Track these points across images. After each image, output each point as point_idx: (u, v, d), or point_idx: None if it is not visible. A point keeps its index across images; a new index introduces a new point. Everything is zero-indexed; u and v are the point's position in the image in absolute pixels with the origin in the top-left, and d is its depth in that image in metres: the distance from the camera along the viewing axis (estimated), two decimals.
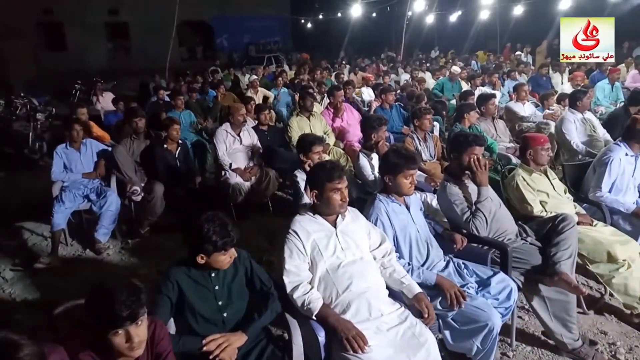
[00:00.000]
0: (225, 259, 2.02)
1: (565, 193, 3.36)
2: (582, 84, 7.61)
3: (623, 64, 9.91)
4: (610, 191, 3.36)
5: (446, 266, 2.64)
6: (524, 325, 3.02)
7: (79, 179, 4.43)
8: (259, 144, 5.13)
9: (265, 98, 8.78)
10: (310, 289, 2.16)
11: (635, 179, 3.41)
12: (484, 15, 15.35)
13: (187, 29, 23.04)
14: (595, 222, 3.20)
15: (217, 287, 2.07)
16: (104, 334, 1.51)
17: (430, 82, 10.08)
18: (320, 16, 23.90)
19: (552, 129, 5.38)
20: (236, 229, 2.03)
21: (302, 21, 25.29)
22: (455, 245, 2.79)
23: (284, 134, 5.62)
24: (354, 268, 2.24)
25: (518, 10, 14.03)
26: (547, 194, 3.24)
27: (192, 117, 6.72)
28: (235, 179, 4.75)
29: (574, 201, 3.39)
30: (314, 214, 2.34)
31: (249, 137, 5.11)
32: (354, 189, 3.95)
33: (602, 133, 4.95)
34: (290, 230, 2.26)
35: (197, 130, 6.78)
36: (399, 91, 9.26)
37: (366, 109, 7.58)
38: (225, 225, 1.98)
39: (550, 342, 2.78)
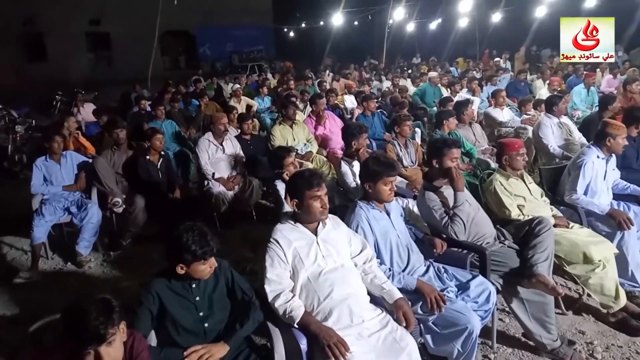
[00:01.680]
0: (205, 268, 2.02)
1: (542, 196, 3.44)
2: (559, 89, 7.78)
3: (598, 69, 10.18)
4: (585, 193, 3.45)
5: (426, 271, 2.68)
6: (505, 327, 3.07)
7: (60, 192, 4.38)
8: (242, 153, 5.14)
9: (249, 107, 8.79)
10: (292, 297, 2.17)
11: (607, 182, 3.51)
12: (463, 22, 15.64)
13: (169, 38, 23.00)
14: (572, 224, 3.28)
15: (198, 298, 2.07)
16: (78, 351, 1.51)
17: (412, 89, 10.20)
18: (303, 25, 24.06)
19: (530, 134, 5.49)
20: (216, 238, 2.04)
21: (285, 30, 25.44)
22: (435, 250, 2.84)
23: (267, 142, 5.64)
24: (335, 275, 2.26)
25: (496, 18, 14.32)
26: (524, 197, 3.31)
27: (175, 127, 6.69)
28: (218, 188, 4.75)
29: (551, 204, 3.47)
30: (295, 223, 2.36)
31: (232, 146, 5.12)
32: (336, 196, 4.00)
33: (579, 137, 5.08)
34: (271, 239, 2.28)
35: (180, 140, 6.75)
36: (380, 98, 9.38)
37: (349, 116, 7.65)
38: (204, 235, 1.99)
39: (531, 343, 2.83)
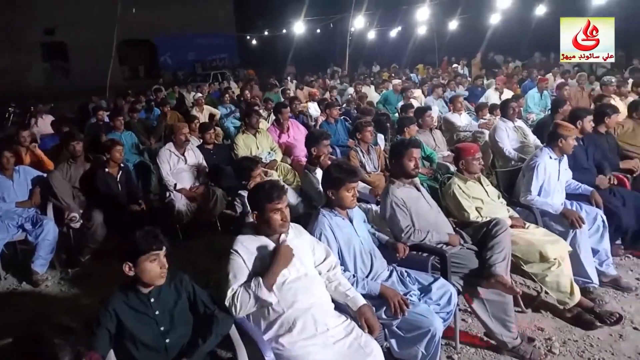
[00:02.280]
0: (154, 268, 1.98)
1: (498, 198, 3.55)
2: (514, 94, 8.08)
3: (550, 74, 10.65)
4: (539, 194, 3.58)
5: (390, 275, 2.72)
6: (467, 327, 3.15)
7: (13, 209, 4.20)
8: (204, 163, 5.08)
9: (212, 116, 8.70)
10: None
11: (560, 182, 3.66)
12: (421, 30, 16.03)
13: (128, 47, 22.50)
14: (528, 224, 3.39)
15: (157, 312, 2.03)
16: None
17: (375, 95, 10.36)
18: (266, 33, 24.06)
19: (487, 138, 5.67)
20: (166, 240, 2.02)
21: (248, 38, 25.38)
22: (398, 254, 2.88)
23: (231, 151, 5.59)
24: (299, 284, 2.26)
25: (453, 25, 14.78)
26: (482, 200, 3.42)
27: (134, 138, 6.54)
28: (180, 199, 4.67)
29: (508, 205, 3.59)
30: (256, 233, 2.35)
31: (194, 156, 5.05)
32: (301, 204, 4.01)
33: (533, 139, 5.28)
34: (232, 251, 2.25)
35: (140, 151, 6.60)
36: (344, 105, 9.48)
37: (313, 123, 7.69)
38: (153, 232, 1.98)
39: (492, 342, 2.90)
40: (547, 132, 3.86)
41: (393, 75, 14.17)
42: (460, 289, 2.84)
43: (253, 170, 3.81)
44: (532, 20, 12.01)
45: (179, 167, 4.91)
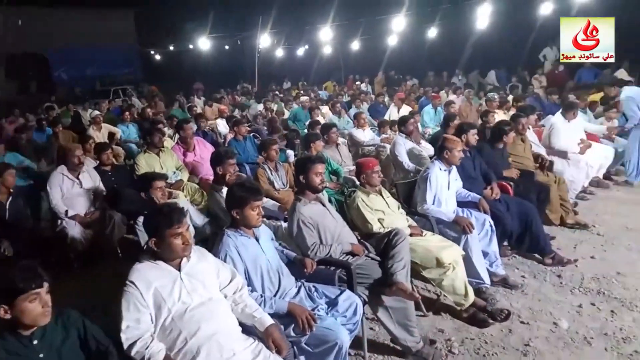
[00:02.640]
0: (35, 308, 1.78)
1: (398, 209, 3.75)
2: (411, 110, 8.63)
3: (443, 91, 11.56)
4: (434, 203, 3.85)
5: (298, 292, 2.73)
6: (375, 335, 3.26)
7: None
8: (101, 186, 4.77)
9: (112, 135, 8.19)
10: (151, 342, 2.04)
11: (450, 191, 3.96)
12: (327, 50, 16.60)
13: (16, 61, 20.55)
14: (425, 232, 3.62)
15: (42, 355, 1.84)
16: None
17: (285, 112, 10.47)
18: (172, 48, 23.32)
19: (389, 152, 5.99)
20: (45, 273, 1.83)
21: (152, 53, 24.40)
22: (305, 270, 2.91)
23: (132, 173, 5.31)
24: (202, 310, 2.19)
25: (355, 46, 15.51)
26: (383, 211, 3.59)
27: (19, 159, 5.95)
28: (74, 226, 4.32)
29: (407, 215, 3.80)
30: (155, 260, 2.24)
31: (90, 179, 4.72)
32: (208, 225, 3.90)
33: (428, 152, 5.67)
34: (127, 282, 2.12)
35: (29, 175, 6.01)
36: (254, 121, 9.47)
37: (222, 140, 7.57)
38: (31, 268, 1.79)
39: (398, 347, 3.04)
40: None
41: (302, 92, 14.45)
42: (366, 299, 2.94)
43: (155, 180, 3.62)
44: (426, 42, 13.02)
45: (73, 192, 4.56)
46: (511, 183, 4.66)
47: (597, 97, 8.45)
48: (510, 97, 9.07)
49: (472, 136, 4.47)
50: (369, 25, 13.52)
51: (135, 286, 2.12)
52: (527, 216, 4.12)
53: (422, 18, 12.15)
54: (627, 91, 6.30)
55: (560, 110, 6.06)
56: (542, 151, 5.65)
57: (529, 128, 5.64)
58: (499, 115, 6.81)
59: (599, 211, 5.47)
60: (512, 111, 7.32)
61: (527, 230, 4.12)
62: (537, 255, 4.25)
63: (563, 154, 5.72)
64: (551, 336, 3.17)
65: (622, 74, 11.11)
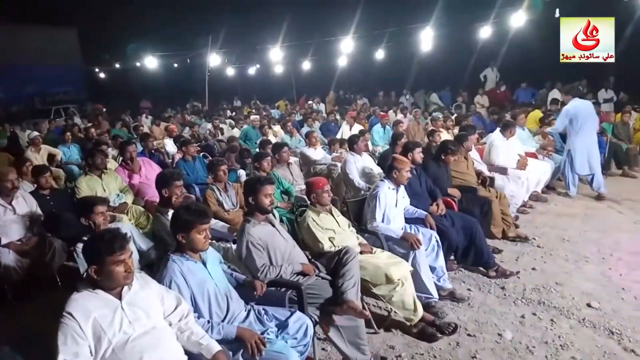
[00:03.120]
0: None
1: (349, 227, 3.80)
2: (362, 128, 8.82)
3: (392, 110, 11.91)
4: (383, 221, 3.92)
5: (247, 316, 2.68)
6: (327, 355, 3.25)
7: None
8: (39, 211, 4.50)
9: (52, 156, 7.81)
10: None
11: (398, 209, 4.06)
12: (278, 69, 16.73)
13: None
14: (375, 249, 3.68)
15: None
16: None
17: (235, 131, 10.40)
18: (117, 66, 22.69)
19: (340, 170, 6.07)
20: None
21: (97, 70, 23.63)
22: (255, 292, 2.87)
23: (73, 196, 5.06)
24: (145, 340, 2.10)
25: (306, 66, 15.75)
26: (334, 230, 3.62)
27: None
28: (8, 254, 4.05)
29: (357, 233, 3.85)
30: (94, 289, 2.13)
31: (26, 204, 4.44)
32: (153, 249, 3.77)
33: (378, 170, 5.79)
34: (64, 313, 2.01)
35: None
36: (204, 141, 9.33)
37: (170, 161, 7.38)
38: None
39: None
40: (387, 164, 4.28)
41: (253, 110, 14.43)
42: (317, 319, 2.93)
43: (96, 205, 3.46)
44: (374, 62, 13.43)
45: (6, 219, 4.27)
46: (455, 199, 4.84)
47: (535, 115, 9.02)
48: (454, 117, 9.47)
49: (418, 154, 4.62)
50: (319, 46, 13.83)
51: (72, 317, 2.01)
52: (471, 230, 4.28)
53: (370, 40, 12.58)
54: (575, 102, 6.58)
55: (499, 129, 6.40)
56: (484, 168, 5.92)
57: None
58: (444, 134, 7.09)
59: (539, 224, 5.77)
60: (456, 130, 7.66)
61: (471, 244, 4.28)
62: (481, 269, 4.41)
63: (503, 170, 6.02)
64: (496, 347, 3.28)
65: (555, 93, 11.94)
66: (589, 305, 3.76)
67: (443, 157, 5.06)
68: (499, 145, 6.14)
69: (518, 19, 8.89)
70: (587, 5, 7.83)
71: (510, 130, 6.18)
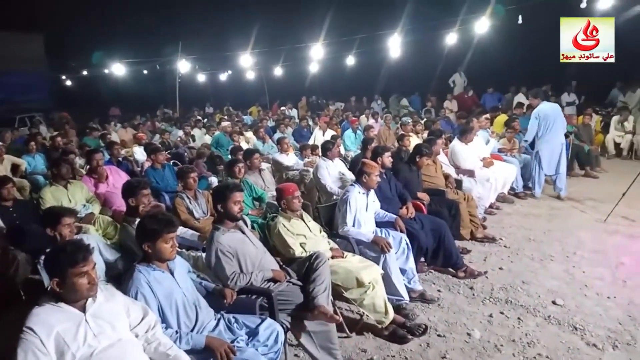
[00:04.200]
0: None
1: (320, 232, 3.82)
2: (334, 134, 8.88)
3: (363, 115, 12.03)
4: (353, 225, 3.96)
5: (217, 325, 2.66)
6: None
7: None
8: (1, 223, 4.35)
9: (16, 166, 7.55)
10: None
11: (369, 213, 4.11)
12: (250, 75, 16.68)
13: None
14: (346, 253, 3.71)
15: None
16: None
17: (207, 137, 10.29)
18: (85, 73, 22.13)
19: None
20: None
21: (64, 77, 22.98)
22: (225, 300, 2.85)
23: (38, 207, 4.91)
24: (111, 353, 2.06)
25: (278, 72, 15.76)
26: (305, 235, 3.63)
27: None
28: None
29: (329, 238, 3.88)
30: (56, 302, 2.08)
31: None
32: (120, 260, 3.69)
33: (350, 175, 5.84)
34: (24, 329, 1.95)
35: None
36: (174, 149, 9.20)
37: (139, 169, 7.26)
38: None
39: None
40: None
41: (226, 117, 14.32)
42: (288, 325, 2.93)
43: (63, 216, 3.36)
44: (346, 68, 13.58)
45: None
46: (424, 202, 4.93)
47: (501, 119, 9.29)
48: (423, 121, 9.64)
49: (387, 158, 4.69)
50: (290, 52, 13.87)
51: (33, 333, 1.96)
52: (440, 232, 4.37)
53: (341, 46, 12.71)
54: (543, 105, 6.79)
55: (457, 136, 6.54)
56: (452, 171, 6.05)
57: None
58: (413, 139, 7.21)
59: (505, 225, 5.93)
60: (425, 134, 7.80)
61: (440, 246, 4.36)
62: (451, 270, 4.50)
63: (471, 173, 6.17)
64: (465, 347, 3.34)
65: (520, 97, 12.31)
66: (554, 302, 3.89)
67: (417, 160, 5.13)
68: (458, 152, 6.29)
69: (482, 26, 9.14)
70: (551, 9, 8.10)
71: (467, 136, 6.31)
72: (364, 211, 4.02)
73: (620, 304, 3.82)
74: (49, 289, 2.12)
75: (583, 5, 6.98)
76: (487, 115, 8.30)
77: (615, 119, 10.05)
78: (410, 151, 5.50)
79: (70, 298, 2.09)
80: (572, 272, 4.44)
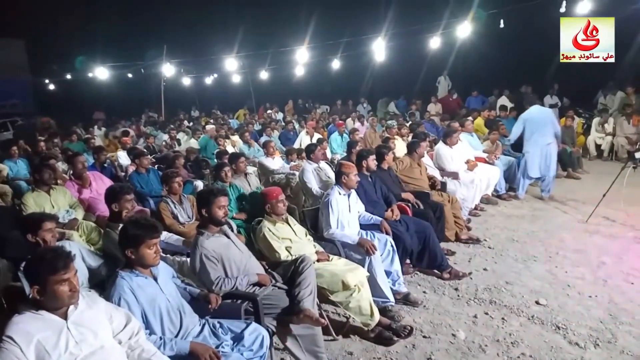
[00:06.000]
0: None
1: (306, 235, 3.82)
2: (320, 137, 8.91)
3: (350, 118, 12.09)
4: (337, 227, 3.97)
5: (201, 330, 2.65)
6: None
7: None
8: None
9: None
10: None
11: (352, 214, 4.13)
12: (236, 78, 16.64)
13: None
14: (332, 256, 3.71)
15: None
16: None
17: (192, 141, 10.24)
18: (68, 77, 21.85)
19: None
20: None
21: (47, 82, 22.66)
22: (210, 305, 2.84)
23: (20, 213, 4.83)
24: None
25: (264, 75, 15.75)
26: (290, 239, 3.64)
27: None
28: None
29: (315, 241, 3.88)
30: (37, 310, 2.05)
31: None
32: (104, 266, 3.65)
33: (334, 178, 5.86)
34: (3, 338, 1.92)
35: None
36: (159, 153, 9.14)
37: (123, 174, 7.18)
38: None
39: None
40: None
41: (212, 120, 14.25)
42: (274, 330, 2.92)
43: (44, 221, 3.32)
44: (331, 72, 13.63)
45: None
46: (409, 204, 4.96)
47: (480, 121, 9.43)
48: (408, 124, 9.72)
49: (372, 161, 4.72)
50: (276, 56, 13.88)
51: (13, 342, 1.92)
52: (424, 234, 4.40)
53: (326, 50, 12.77)
54: (531, 109, 6.89)
55: (442, 138, 6.61)
56: (436, 173, 6.10)
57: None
58: (398, 142, 7.25)
59: (489, 226, 6.00)
60: (410, 137, 7.85)
61: (425, 248, 4.40)
62: (436, 271, 4.54)
63: (455, 175, 6.23)
64: (450, 347, 3.37)
65: (504, 100, 12.48)
66: (537, 302, 3.94)
67: (381, 162, 5.15)
68: (442, 154, 6.35)
69: (464, 30, 9.26)
70: (531, 13, 8.24)
71: (450, 138, 6.38)
72: (346, 212, 4.04)
73: (601, 303, 3.89)
74: (29, 296, 2.09)
75: (562, 9, 7.10)
76: (470, 118, 8.39)
77: (595, 121, 10.25)
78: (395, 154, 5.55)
79: (51, 306, 2.07)
80: (555, 272, 4.51)
